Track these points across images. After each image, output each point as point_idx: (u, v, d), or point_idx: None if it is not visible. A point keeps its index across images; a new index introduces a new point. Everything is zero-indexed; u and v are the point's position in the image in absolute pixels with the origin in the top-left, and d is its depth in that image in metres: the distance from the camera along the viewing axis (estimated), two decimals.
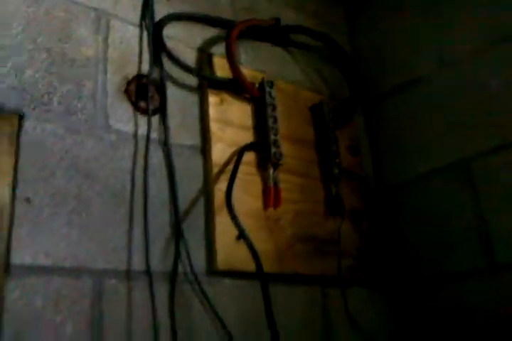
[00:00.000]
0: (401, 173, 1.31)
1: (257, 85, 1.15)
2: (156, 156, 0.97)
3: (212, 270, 0.96)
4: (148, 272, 0.87)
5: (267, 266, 0.98)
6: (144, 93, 0.99)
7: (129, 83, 0.99)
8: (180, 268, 0.92)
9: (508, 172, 1.11)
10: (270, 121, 1.11)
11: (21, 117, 0.83)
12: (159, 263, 0.90)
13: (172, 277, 0.90)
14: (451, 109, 1.24)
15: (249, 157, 1.09)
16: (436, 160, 1.24)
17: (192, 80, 1.09)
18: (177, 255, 0.92)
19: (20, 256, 0.77)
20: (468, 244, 1.15)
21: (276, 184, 1.09)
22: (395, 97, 1.37)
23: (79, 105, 0.91)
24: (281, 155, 1.09)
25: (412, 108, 1.32)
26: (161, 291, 0.88)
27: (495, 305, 1.08)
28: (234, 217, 0.96)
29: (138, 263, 0.87)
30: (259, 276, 0.93)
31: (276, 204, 1.08)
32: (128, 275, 0.85)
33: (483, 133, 1.16)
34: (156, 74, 1.03)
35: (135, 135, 0.96)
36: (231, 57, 1.10)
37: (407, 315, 1.23)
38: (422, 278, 1.23)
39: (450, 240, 1.18)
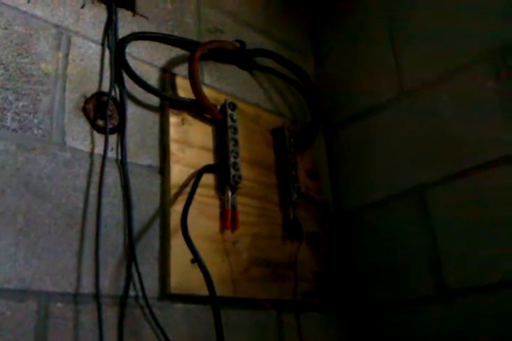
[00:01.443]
0: (359, 198, 1.33)
1: (218, 107, 1.15)
2: (112, 176, 0.95)
3: (165, 294, 0.93)
4: (97, 295, 0.84)
5: (222, 290, 0.98)
6: (104, 111, 0.98)
7: (87, 101, 0.97)
8: (131, 292, 0.89)
9: (460, 200, 1.13)
10: (231, 144, 1.11)
11: None
12: (110, 286, 0.87)
13: (122, 301, 0.87)
14: (407, 137, 1.26)
15: (208, 179, 1.08)
16: (393, 187, 1.26)
17: (153, 100, 1.08)
18: (129, 278, 0.89)
19: None
20: (420, 271, 1.16)
21: (234, 207, 1.08)
22: (355, 123, 1.39)
23: (35, 120, 0.89)
24: (240, 177, 1.09)
25: (370, 134, 1.34)
26: (110, 316, 0.85)
27: (446, 330, 1.09)
28: (188, 240, 0.94)
29: (87, 286, 0.84)
30: (212, 300, 0.91)
31: (234, 227, 1.07)
32: (76, 298, 0.82)
33: (437, 162, 1.18)
34: (116, 93, 1.02)
35: (91, 153, 0.94)
36: (193, 79, 1.09)
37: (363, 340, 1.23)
38: (377, 302, 1.23)
39: (403, 266, 1.19)
